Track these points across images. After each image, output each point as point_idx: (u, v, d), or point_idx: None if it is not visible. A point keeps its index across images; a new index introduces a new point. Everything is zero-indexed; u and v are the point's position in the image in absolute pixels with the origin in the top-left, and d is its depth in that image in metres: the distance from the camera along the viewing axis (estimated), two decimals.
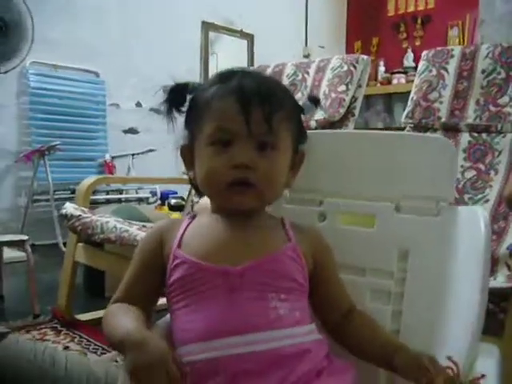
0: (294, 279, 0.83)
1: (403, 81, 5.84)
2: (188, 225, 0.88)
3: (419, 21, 6.11)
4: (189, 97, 0.90)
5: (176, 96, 0.90)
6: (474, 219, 0.89)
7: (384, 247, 0.97)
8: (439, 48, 2.06)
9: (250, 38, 5.75)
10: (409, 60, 6.07)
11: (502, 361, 0.82)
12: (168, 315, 0.86)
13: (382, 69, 6.23)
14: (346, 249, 0.96)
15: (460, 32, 5.78)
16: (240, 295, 0.78)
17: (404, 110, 2.04)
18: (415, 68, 5.38)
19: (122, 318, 0.79)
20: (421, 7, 6.12)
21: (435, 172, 0.95)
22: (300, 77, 2.36)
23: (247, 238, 0.84)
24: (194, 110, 0.89)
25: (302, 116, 0.95)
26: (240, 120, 0.80)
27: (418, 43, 6.11)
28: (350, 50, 6.60)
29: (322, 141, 1.03)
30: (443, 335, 0.81)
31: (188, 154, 0.89)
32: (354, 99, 2.21)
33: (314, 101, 0.99)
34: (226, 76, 0.87)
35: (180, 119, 0.91)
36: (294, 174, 0.93)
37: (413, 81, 2.12)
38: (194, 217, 0.91)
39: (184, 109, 0.90)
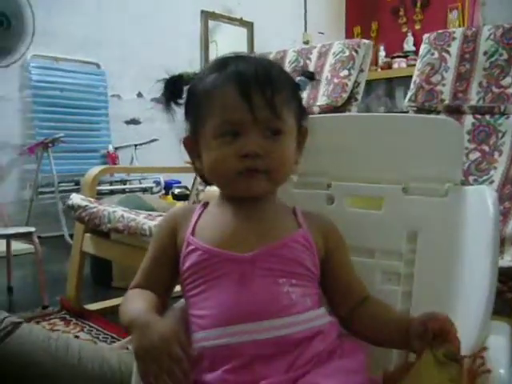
0: (304, 265, 0.83)
1: (404, 65, 5.82)
2: (201, 212, 0.89)
3: (418, 4, 6.07)
4: (185, 88, 0.89)
5: (172, 88, 0.89)
6: (482, 199, 0.89)
7: (392, 229, 0.98)
8: (441, 31, 2.05)
9: (249, 25, 5.72)
10: (409, 44, 6.04)
11: None
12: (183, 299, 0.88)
13: (382, 53, 6.20)
14: (355, 231, 0.97)
15: (460, 15, 5.75)
16: (252, 281, 0.79)
17: (405, 94, 2.04)
18: (415, 52, 5.37)
19: (133, 303, 0.81)
20: None
21: (442, 153, 0.95)
22: (302, 63, 2.36)
23: (258, 224, 0.85)
24: (193, 101, 0.87)
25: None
26: (244, 109, 0.79)
27: (417, 27, 6.08)
28: (349, 35, 6.56)
29: (329, 124, 1.04)
30: (454, 314, 0.81)
31: (192, 145, 0.89)
32: (356, 84, 2.19)
33: (309, 76, 0.98)
34: (221, 64, 0.85)
35: (181, 110, 0.90)
36: (300, 150, 0.92)
37: (413, 65, 2.12)
38: (206, 205, 0.92)
39: (182, 101, 0.89)
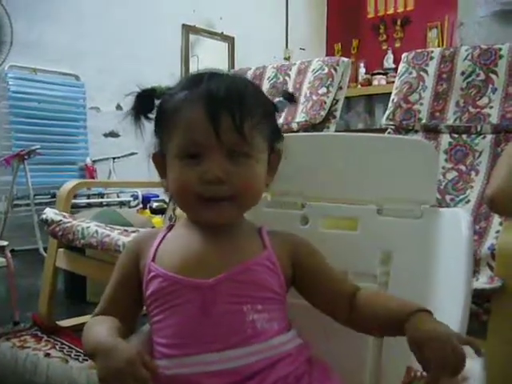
0: (270, 288, 0.80)
1: (383, 82, 5.88)
2: (164, 236, 0.87)
3: (399, 22, 6.15)
4: (157, 102, 0.86)
5: (143, 102, 0.86)
6: (456, 221, 0.89)
7: (367, 250, 0.97)
8: (419, 50, 2.07)
9: (230, 40, 5.75)
10: (389, 61, 6.11)
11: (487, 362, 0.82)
12: None
13: (362, 70, 6.27)
14: (329, 252, 0.94)
15: (439, 33, 5.83)
16: (214, 309, 0.76)
17: (384, 110, 2.05)
18: (395, 69, 5.43)
19: (96, 329, 0.77)
20: (400, 9, 6.16)
21: (417, 175, 0.95)
22: (281, 79, 2.36)
23: (222, 248, 0.82)
24: (162, 116, 0.84)
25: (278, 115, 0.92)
26: (209, 131, 0.76)
27: (397, 44, 6.16)
28: (330, 51, 6.62)
29: (304, 144, 1.03)
30: None
31: (160, 162, 0.86)
32: (335, 101, 2.21)
33: (289, 98, 0.96)
34: (193, 81, 0.82)
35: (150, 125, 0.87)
36: (273, 173, 0.89)
37: (393, 82, 2.13)
38: (170, 228, 0.89)
39: (152, 116, 0.86)
